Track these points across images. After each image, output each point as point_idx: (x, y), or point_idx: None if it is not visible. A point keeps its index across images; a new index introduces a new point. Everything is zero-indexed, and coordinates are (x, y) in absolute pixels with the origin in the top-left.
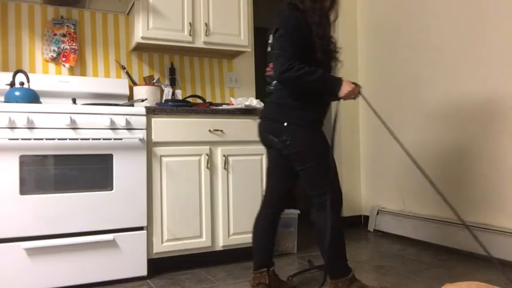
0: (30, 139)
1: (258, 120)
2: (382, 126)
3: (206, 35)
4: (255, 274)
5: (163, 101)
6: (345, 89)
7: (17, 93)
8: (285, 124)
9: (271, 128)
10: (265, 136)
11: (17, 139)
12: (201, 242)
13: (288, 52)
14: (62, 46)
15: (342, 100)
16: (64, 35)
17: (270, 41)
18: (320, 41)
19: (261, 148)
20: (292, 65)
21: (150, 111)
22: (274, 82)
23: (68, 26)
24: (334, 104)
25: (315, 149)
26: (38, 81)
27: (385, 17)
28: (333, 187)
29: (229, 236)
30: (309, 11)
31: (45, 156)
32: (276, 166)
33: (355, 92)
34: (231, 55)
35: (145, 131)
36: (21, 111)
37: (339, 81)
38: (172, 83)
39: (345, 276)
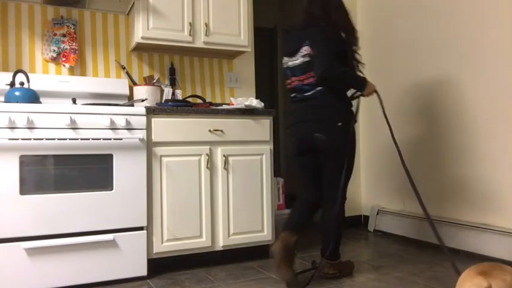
0: (30, 139)
1: (298, 125)
2: (382, 126)
3: (206, 35)
4: (285, 233)
5: (163, 101)
6: (370, 86)
7: (17, 93)
8: (339, 124)
9: (320, 128)
10: (309, 137)
11: (17, 139)
12: (201, 242)
13: (325, 55)
14: (62, 46)
15: (361, 98)
16: (64, 35)
17: (304, 53)
18: (350, 51)
19: (261, 148)
20: (332, 64)
21: (150, 111)
22: (319, 88)
23: (68, 26)
24: (354, 102)
25: (349, 147)
26: (38, 81)
27: (384, 16)
28: (346, 183)
29: (229, 236)
30: (334, 27)
31: (45, 156)
32: (310, 170)
33: (374, 90)
34: (231, 55)
35: (145, 131)
36: (21, 111)
37: (365, 80)
38: (172, 83)
39: (334, 260)
